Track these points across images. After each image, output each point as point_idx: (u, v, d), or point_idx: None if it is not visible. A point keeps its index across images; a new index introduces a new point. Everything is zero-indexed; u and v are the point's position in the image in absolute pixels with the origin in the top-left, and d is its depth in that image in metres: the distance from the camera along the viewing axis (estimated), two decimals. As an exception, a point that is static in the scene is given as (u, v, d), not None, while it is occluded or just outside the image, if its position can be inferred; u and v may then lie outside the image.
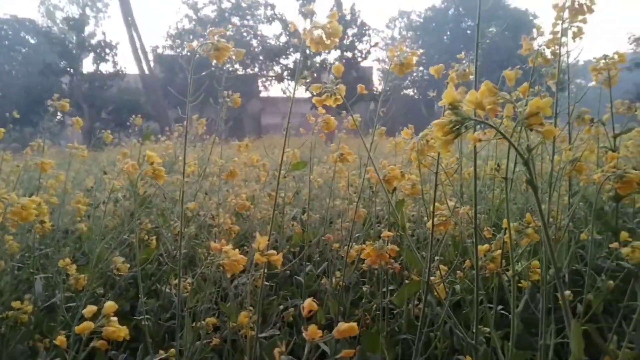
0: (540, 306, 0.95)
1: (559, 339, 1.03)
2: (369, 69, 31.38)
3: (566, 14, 0.93)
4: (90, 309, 0.66)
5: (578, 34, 1.10)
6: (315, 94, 0.84)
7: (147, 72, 26.24)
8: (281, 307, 1.58)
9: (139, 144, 3.27)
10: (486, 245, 1.03)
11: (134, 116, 3.38)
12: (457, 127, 0.47)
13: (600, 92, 1.57)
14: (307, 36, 0.84)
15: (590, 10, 0.90)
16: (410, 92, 32.45)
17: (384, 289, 1.68)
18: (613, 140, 1.52)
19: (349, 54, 27.46)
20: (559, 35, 1.00)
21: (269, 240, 0.96)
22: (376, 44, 29.90)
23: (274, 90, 32.42)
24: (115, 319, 0.67)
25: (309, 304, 0.55)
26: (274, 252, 0.86)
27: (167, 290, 1.80)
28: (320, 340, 0.51)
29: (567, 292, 1.01)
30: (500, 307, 1.13)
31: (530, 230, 0.92)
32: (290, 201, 2.20)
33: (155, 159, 0.88)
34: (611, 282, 1.17)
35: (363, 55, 27.99)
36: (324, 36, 0.87)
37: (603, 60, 1.46)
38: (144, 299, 1.95)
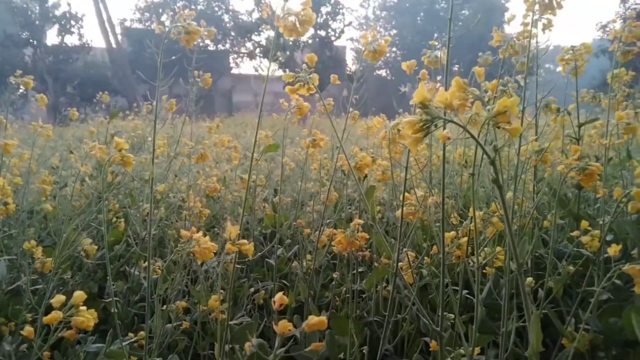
0: (503, 292, 0.98)
1: (520, 323, 1.07)
2: (343, 48, 31.18)
3: (537, 7, 0.95)
4: (59, 298, 0.66)
5: (548, 25, 1.12)
6: (288, 82, 0.83)
7: (114, 45, 25.46)
8: (252, 289, 1.59)
9: (106, 122, 3.19)
10: (453, 233, 1.06)
11: (100, 92, 3.29)
12: (427, 125, 0.48)
13: (568, 79, 1.60)
14: (279, 23, 0.83)
15: (560, 6, 0.91)
16: (383, 72, 32.44)
17: (354, 272, 1.71)
18: (578, 129, 1.56)
19: (323, 33, 27.22)
20: (529, 28, 1.01)
21: (240, 223, 0.97)
22: (350, 23, 29.71)
23: (246, 67, 31.94)
24: (84, 308, 0.67)
25: (279, 297, 0.56)
26: (245, 241, 0.86)
27: (137, 272, 1.79)
28: (290, 334, 0.52)
29: (529, 279, 1.05)
30: (465, 291, 1.17)
31: (495, 219, 0.95)
32: (262, 183, 2.20)
33: (124, 146, 0.86)
34: (571, 267, 1.22)
35: (337, 34, 27.79)
36: (297, 23, 0.86)
37: (570, 52, 1.49)
38: (112, 281, 1.94)
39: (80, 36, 26.61)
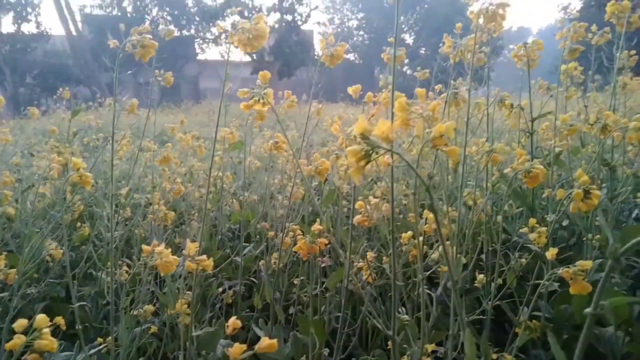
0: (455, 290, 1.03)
1: (473, 316, 1.13)
2: (310, 32, 30.98)
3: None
4: (21, 323, 0.67)
5: (497, 29, 1.17)
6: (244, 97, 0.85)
7: (74, 33, 24.64)
8: (220, 289, 1.61)
9: (68, 114, 3.12)
10: (410, 232, 1.10)
11: (62, 85, 3.21)
12: (368, 154, 0.51)
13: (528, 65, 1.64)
14: (233, 39, 0.84)
15: (503, 18, 0.95)
16: (351, 56, 32.42)
17: (323, 267, 1.74)
18: (531, 123, 1.62)
19: (289, 17, 26.95)
20: (478, 37, 1.05)
21: (202, 223, 0.98)
22: (316, 7, 29.50)
23: (212, 53, 31.43)
24: (47, 331, 0.68)
25: (232, 322, 0.59)
26: (204, 257, 0.88)
27: (103, 276, 1.79)
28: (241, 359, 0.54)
29: (480, 277, 1.11)
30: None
31: (445, 221, 0.99)
32: (228, 179, 2.21)
33: (81, 165, 0.87)
34: (523, 259, 1.28)
35: (303, 19, 27.56)
36: (251, 37, 0.88)
37: (523, 48, 1.55)
38: (81, 284, 1.93)
39: (38, 24, 25.65)
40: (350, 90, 0.89)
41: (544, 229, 1.05)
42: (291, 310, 1.55)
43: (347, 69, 27.13)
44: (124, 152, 2.08)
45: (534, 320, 1.20)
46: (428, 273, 1.06)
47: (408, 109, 0.65)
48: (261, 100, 0.83)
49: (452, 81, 1.16)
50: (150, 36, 0.94)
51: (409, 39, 30.35)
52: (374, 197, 0.99)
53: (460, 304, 0.65)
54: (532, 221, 1.08)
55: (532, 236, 1.04)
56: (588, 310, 0.45)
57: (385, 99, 1.37)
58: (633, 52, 2.03)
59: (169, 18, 27.92)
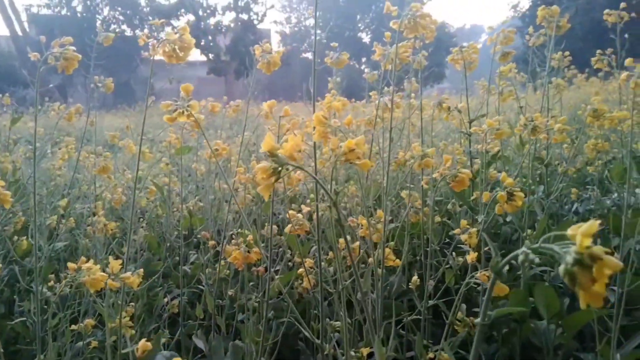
0: (394, 289, 1.06)
1: (413, 316, 1.15)
2: (267, 31, 30.82)
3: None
4: None
5: (428, 37, 1.20)
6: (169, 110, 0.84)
7: (20, 33, 23.70)
8: (165, 299, 1.59)
9: (9, 119, 3.00)
10: (348, 237, 1.11)
11: (4, 94, 3.08)
12: (277, 171, 0.52)
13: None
14: (155, 52, 0.83)
15: (424, 28, 0.98)
16: (309, 55, 32.42)
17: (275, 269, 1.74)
18: (469, 124, 1.67)
19: (245, 16, 26.72)
20: (410, 44, 1.08)
21: (130, 232, 0.97)
22: (272, 6, 29.35)
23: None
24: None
25: (142, 345, 0.58)
26: (129, 275, 0.87)
27: (45, 289, 1.73)
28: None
29: (414, 278, 1.13)
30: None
31: (379, 225, 1.02)
32: (175, 185, 2.17)
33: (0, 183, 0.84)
34: (460, 258, 1.32)
35: (259, 18, 27.38)
36: (177, 49, 0.87)
37: (459, 52, 1.59)
38: (22, 299, 1.86)
39: (-20, 24, 24.51)
40: (265, 105, 0.90)
41: (475, 230, 1.08)
42: (240, 317, 1.54)
43: (305, 68, 27.12)
44: (64, 160, 2.02)
45: (471, 317, 1.24)
46: (349, 279, 1.08)
47: (326, 123, 0.66)
48: (185, 113, 0.82)
49: (393, 87, 1.19)
50: (74, 48, 0.92)
51: (365, 37, 30.65)
52: (305, 206, 1.00)
53: (373, 312, 0.67)
54: (464, 222, 1.11)
55: (463, 237, 1.07)
56: (478, 321, 0.47)
57: (327, 104, 1.38)
58: (567, 53, 2.11)
59: (121, 18, 27.22)
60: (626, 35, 2.07)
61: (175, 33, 0.89)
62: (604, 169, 2.37)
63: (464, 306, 1.28)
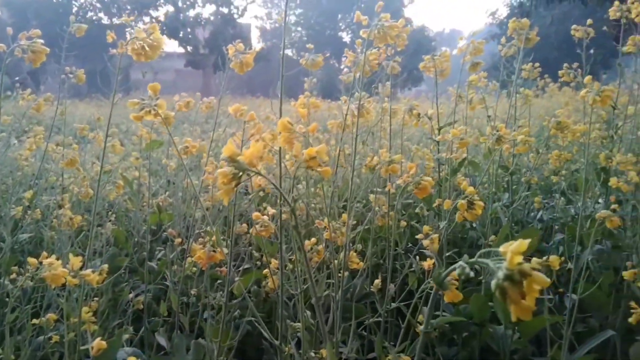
0: (355, 292, 1.08)
1: (374, 319, 1.18)
2: (247, 26, 30.61)
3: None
4: None
5: (400, 45, 1.22)
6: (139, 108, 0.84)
7: (-8, 16, 23.03)
8: (131, 295, 1.58)
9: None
10: (313, 239, 1.13)
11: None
12: (237, 177, 0.53)
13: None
14: (122, 49, 0.84)
15: (392, 39, 1.00)
16: (289, 52, 32.36)
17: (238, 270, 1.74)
18: (438, 131, 1.70)
19: (225, 10, 26.50)
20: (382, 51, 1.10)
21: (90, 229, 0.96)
22: (253, 1, 29.14)
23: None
24: None
25: (97, 344, 0.59)
26: (89, 272, 0.87)
27: (6, 282, 1.70)
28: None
29: (376, 281, 1.16)
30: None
31: (344, 228, 1.04)
32: (145, 179, 2.15)
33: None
34: (423, 262, 1.35)
35: (240, 12, 27.19)
36: (146, 47, 0.87)
37: (431, 60, 1.62)
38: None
39: (-51, 5, 23.74)
40: (231, 110, 0.91)
41: (436, 236, 1.11)
42: (206, 315, 1.54)
43: (285, 65, 26.99)
44: (31, 150, 1.98)
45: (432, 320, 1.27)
46: (302, 285, 1.10)
47: (291, 129, 0.67)
48: (152, 112, 0.82)
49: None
50: (42, 41, 0.91)
51: (346, 37, 30.72)
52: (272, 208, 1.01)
53: (322, 318, 0.68)
54: (426, 228, 1.14)
55: (425, 242, 1.10)
56: (421, 328, 0.49)
57: (300, 105, 1.39)
58: (537, 64, 2.17)
59: (98, 5, 26.69)
60: (592, 51, 2.14)
61: (146, 30, 0.90)
62: (571, 178, 2.45)
63: (425, 309, 1.31)
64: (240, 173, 0.53)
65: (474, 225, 2.23)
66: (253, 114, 0.88)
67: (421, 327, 0.49)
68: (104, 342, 0.59)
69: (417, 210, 1.91)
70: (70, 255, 0.84)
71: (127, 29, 27.25)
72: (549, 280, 0.35)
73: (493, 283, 0.36)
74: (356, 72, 1.08)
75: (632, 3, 1.76)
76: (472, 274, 0.38)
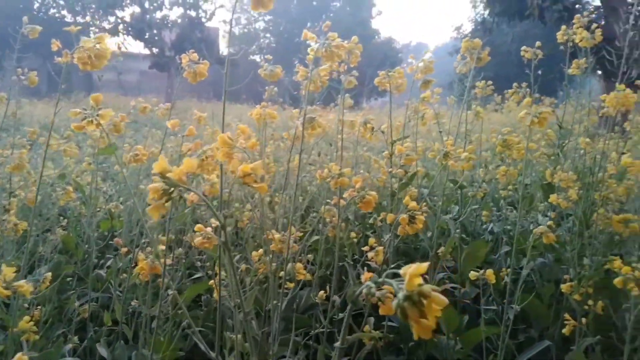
0: (301, 304, 1.09)
1: (319, 329, 1.19)
2: (215, 30, 30.36)
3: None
4: None
5: (352, 61, 1.25)
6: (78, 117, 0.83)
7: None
8: (77, 303, 1.55)
9: None
10: (260, 251, 1.14)
11: None
12: (168, 192, 0.54)
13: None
14: (67, 58, 0.83)
15: (339, 57, 1.03)
16: (257, 58, 32.27)
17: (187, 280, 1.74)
18: (391, 145, 1.74)
19: (193, 13, 26.26)
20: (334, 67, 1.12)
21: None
22: (222, 6, 28.94)
23: (109, 44, 29.67)
24: None
25: (18, 358, 0.58)
26: (23, 283, 0.85)
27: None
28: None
29: (321, 292, 1.18)
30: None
31: (291, 240, 1.05)
32: (98, 185, 2.12)
33: None
34: (370, 273, 1.37)
35: (208, 16, 26.98)
36: (92, 56, 0.87)
37: (386, 76, 1.66)
38: None
39: None
40: (169, 124, 0.91)
41: (381, 248, 1.14)
42: (154, 324, 1.53)
43: (252, 70, 26.90)
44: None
45: (378, 331, 1.29)
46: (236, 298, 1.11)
47: (231, 144, 0.68)
48: (94, 122, 0.82)
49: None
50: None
51: (315, 45, 30.82)
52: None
53: (252, 332, 0.70)
54: (372, 241, 1.17)
55: (370, 254, 1.13)
56: (337, 344, 0.51)
57: (257, 115, 1.40)
58: (490, 82, 2.24)
59: (61, 2, 26.00)
60: (539, 72, 2.23)
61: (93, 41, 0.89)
62: (523, 191, 2.53)
63: (371, 319, 1.34)
64: (171, 189, 0.54)
65: (429, 235, 2.28)
66: (192, 128, 0.88)
67: (337, 344, 0.51)
68: (25, 357, 0.58)
69: (371, 220, 1.95)
70: (4, 266, 0.82)
71: (91, 28, 26.67)
72: (447, 300, 0.37)
73: (394, 303, 0.38)
74: (307, 87, 1.09)
75: (577, 28, 1.85)
76: (377, 293, 0.40)
